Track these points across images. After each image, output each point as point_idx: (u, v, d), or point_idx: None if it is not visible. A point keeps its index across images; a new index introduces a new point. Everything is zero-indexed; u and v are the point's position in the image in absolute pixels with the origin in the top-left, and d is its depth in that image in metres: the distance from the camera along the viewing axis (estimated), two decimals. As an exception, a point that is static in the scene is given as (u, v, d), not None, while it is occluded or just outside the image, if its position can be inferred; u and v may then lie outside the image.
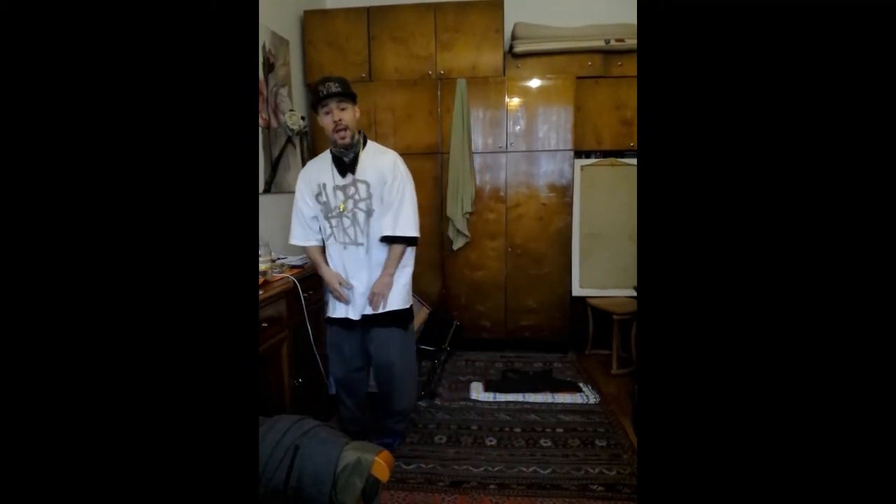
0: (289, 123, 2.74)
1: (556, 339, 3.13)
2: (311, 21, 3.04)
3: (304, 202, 1.88)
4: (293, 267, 2.04)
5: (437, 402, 2.49)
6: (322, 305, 2.27)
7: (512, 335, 3.15)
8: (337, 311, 1.91)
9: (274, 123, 2.63)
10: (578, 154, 3.09)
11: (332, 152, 1.82)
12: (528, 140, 3.00)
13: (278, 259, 2.08)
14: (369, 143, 1.87)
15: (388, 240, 1.82)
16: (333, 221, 1.83)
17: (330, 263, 1.89)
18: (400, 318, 1.90)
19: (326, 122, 1.74)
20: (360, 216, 1.81)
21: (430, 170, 3.02)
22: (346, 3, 3.21)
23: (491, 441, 2.10)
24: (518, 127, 3.00)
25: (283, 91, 2.76)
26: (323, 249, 1.92)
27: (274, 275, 1.87)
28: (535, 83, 2.97)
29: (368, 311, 1.86)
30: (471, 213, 3.02)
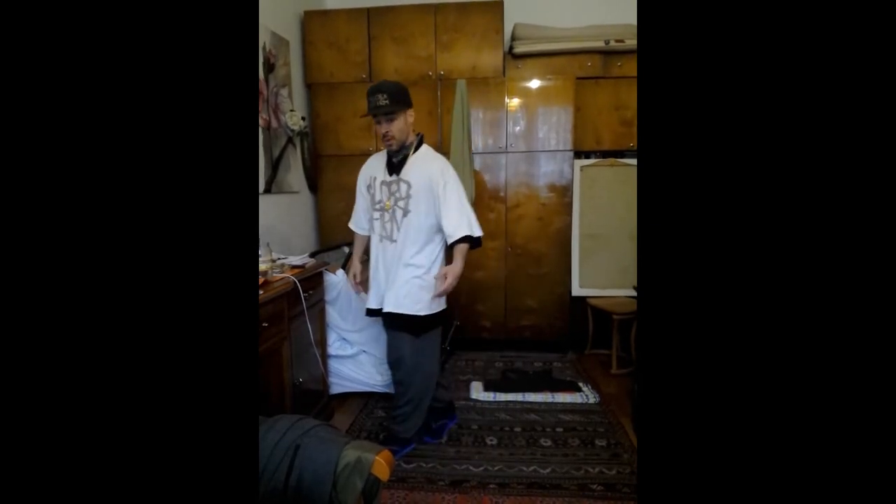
0: (289, 124, 2.75)
1: (555, 338, 3.13)
2: (312, 21, 3.04)
3: (359, 192, 2.04)
4: (294, 267, 2.05)
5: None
6: (323, 305, 2.28)
7: (512, 335, 3.15)
8: (369, 301, 2.04)
9: (274, 124, 2.64)
10: (578, 154, 3.10)
11: (387, 151, 1.95)
12: (527, 140, 3.01)
13: (279, 259, 2.08)
14: (423, 147, 1.93)
15: (453, 244, 1.88)
16: (376, 214, 1.95)
17: (371, 254, 2.02)
18: (411, 324, 1.90)
19: (377, 129, 1.87)
20: (399, 214, 1.89)
21: (431, 170, 3.02)
22: (347, 4, 3.22)
23: (491, 440, 2.10)
24: (518, 127, 3.00)
25: (284, 91, 2.76)
26: (365, 240, 2.10)
27: (274, 275, 1.87)
28: (534, 84, 2.98)
29: (388, 307, 1.93)
30: (471, 214, 3.03)
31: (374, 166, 1.98)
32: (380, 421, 2.29)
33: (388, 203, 1.89)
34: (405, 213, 1.87)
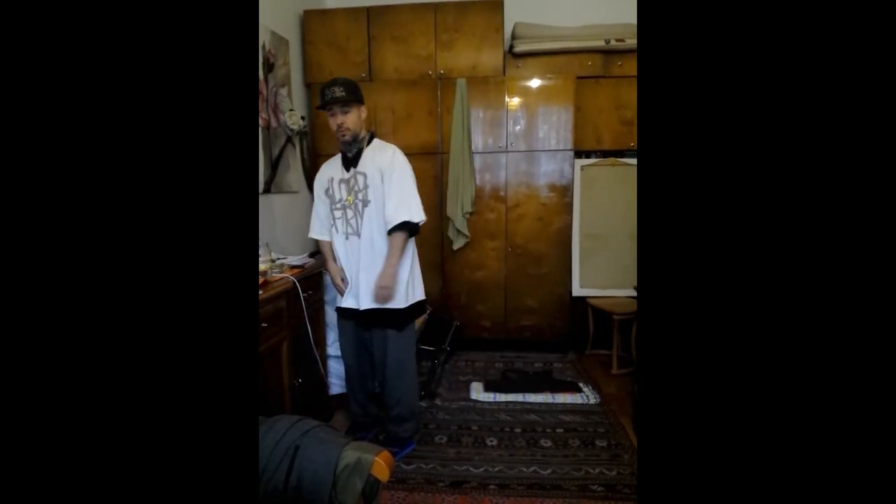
0: (289, 123, 2.74)
1: (556, 339, 3.13)
2: (311, 21, 3.04)
3: (318, 198, 2.01)
4: (293, 267, 2.04)
5: (438, 402, 2.49)
6: (322, 304, 2.27)
7: (512, 335, 3.15)
8: (342, 300, 2.00)
9: (274, 123, 2.63)
10: (578, 154, 3.09)
11: (340, 149, 1.95)
12: (528, 140, 3.00)
13: (278, 259, 2.08)
14: (375, 140, 1.95)
15: (390, 231, 1.85)
16: (338, 213, 1.93)
17: (336, 255, 1.98)
18: (392, 318, 1.91)
19: (330, 122, 1.86)
20: (360, 206, 1.89)
21: (430, 170, 3.02)
22: (346, 3, 3.21)
23: (491, 441, 2.10)
24: (518, 127, 3.00)
25: (283, 91, 2.75)
26: (331, 245, 2.03)
27: (274, 275, 1.87)
28: (535, 83, 2.97)
29: (366, 304, 1.90)
30: (471, 213, 3.02)
31: (330, 169, 1.98)
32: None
33: (349, 199, 1.89)
34: (365, 203, 1.87)
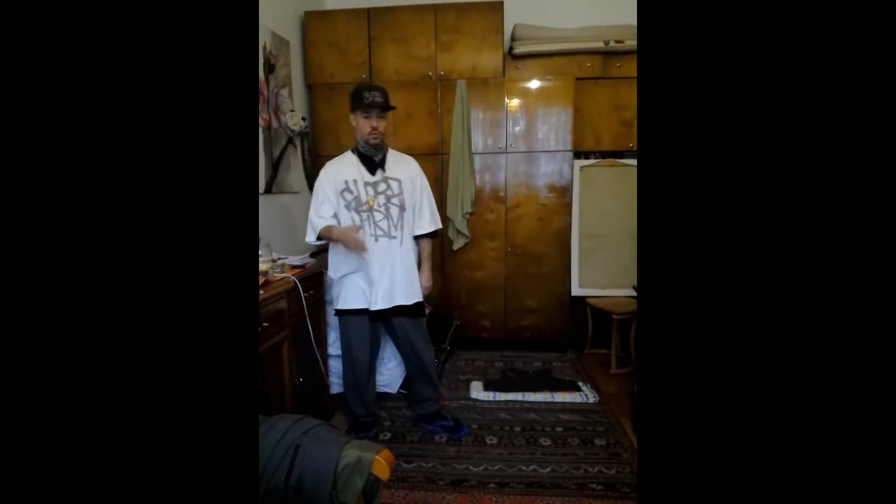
0: (289, 124, 2.75)
1: (555, 338, 3.13)
2: (312, 22, 3.04)
3: (325, 197, 1.97)
4: (294, 267, 2.05)
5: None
6: (323, 304, 2.28)
7: (512, 335, 3.16)
8: (359, 301, 2.02)
9: (275, 124, 2.64)
10: (578, 155, 3.10)
11: (359, 151, 1.99)
12: (527, 141, 3.01)
13: (279, 259, 2.08)
14: (388, 147, 2.07)
15: (420, 237, 2.06)
16: (363, 215, 1.96)
17: (359, 256, 1.98)
18: (422, 308, 2.15)
19: (363, 124, 1.92)
20: (394, 211, 1.97)
21: (431, 170, 3.02)
22: (347, 4, 3.22)
23: (491, 440, 2.11)
24: (518, 128, 3.01)
25: (284, 92, 2.76)
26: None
27: (275, 275, 1.88)
28: (534, 84, 2.98)
29: (415, 299, 2.04)
30: (471, 214, 3.03)
31: (346, 170, 1.96)
32: (380, 421, 2.29)
33: (371, 201, 1.94)
34: (402, 209, 1.97)
